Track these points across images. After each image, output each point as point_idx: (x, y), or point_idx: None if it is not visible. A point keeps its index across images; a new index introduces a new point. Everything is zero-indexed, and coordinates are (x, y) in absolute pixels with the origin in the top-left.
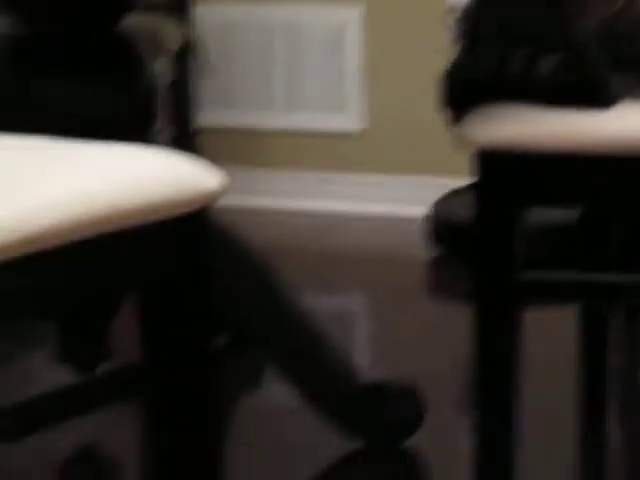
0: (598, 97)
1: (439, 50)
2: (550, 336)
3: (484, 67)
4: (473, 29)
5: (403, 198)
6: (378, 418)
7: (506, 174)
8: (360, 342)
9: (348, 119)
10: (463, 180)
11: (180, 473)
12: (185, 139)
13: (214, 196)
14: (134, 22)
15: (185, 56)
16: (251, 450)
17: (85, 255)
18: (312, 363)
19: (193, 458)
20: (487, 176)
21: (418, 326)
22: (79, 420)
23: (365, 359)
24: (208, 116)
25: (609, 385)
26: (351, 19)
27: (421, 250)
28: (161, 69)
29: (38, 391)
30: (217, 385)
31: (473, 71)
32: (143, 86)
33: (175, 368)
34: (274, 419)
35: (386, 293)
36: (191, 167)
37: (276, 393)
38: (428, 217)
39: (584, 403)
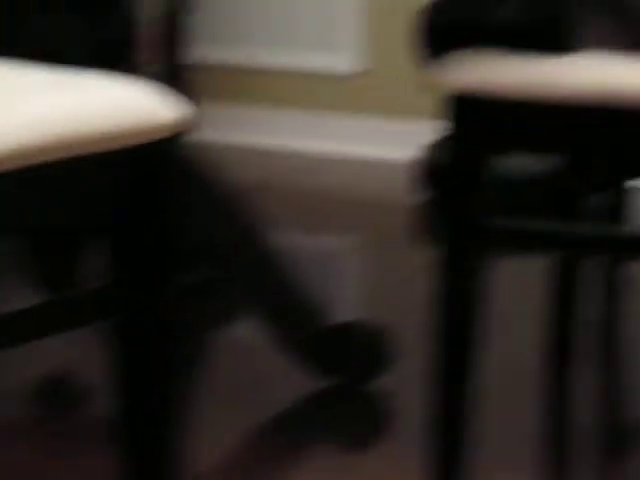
0: (562, 43)
1: None
2: (521, 285)
3: (452, 10)
4: None
5: (396, 141)
6: (345, 358)
7: (478, 119)
8: (340, 283)
9: (342, 59)
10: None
11: (149, 398)
12: (173, 74)
13: (170, 128)
14: None
15: None
16: (219, 384)
17: (43, 180)
18: (281, 301)
19: (162, 386)
20: (455, 119)
21: (400, 270)
22: (49, 341)
23: (343, 300)
24: (200, 52)
25: (578, 336)
26: None
27: (410, 194)
28: (148, 1)
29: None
30: (187, 318)
31: (443, 14)
32: (121, 17)
33: (145, 296)
34: (243, 355)
35: (370, 236)
36: (150, 98)
37: (246, 330)
38: (419, 161)
39: (551, 354)
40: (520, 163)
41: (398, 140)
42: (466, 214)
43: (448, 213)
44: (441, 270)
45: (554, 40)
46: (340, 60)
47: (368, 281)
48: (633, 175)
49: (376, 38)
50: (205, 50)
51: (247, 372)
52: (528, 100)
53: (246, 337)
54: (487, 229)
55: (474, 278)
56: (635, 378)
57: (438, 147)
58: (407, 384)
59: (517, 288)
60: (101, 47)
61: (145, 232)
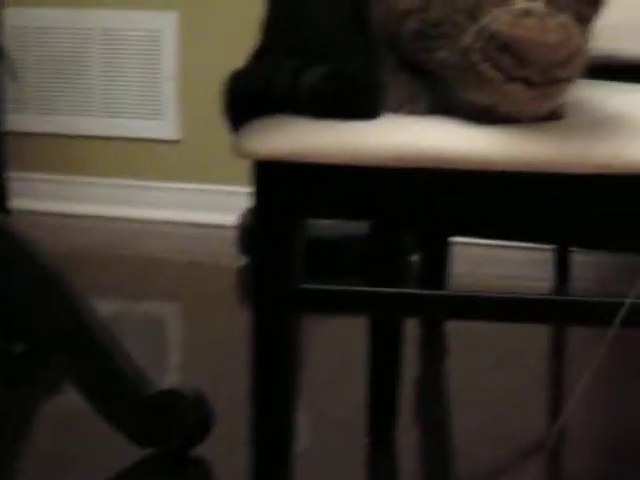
0: (363, 108)
1: None
2: (342, 347)
3: (255, 79)
4: (262, 38)
5: (216, 206)
6: (166, 425)
7: (282, 185)
8: (164, 349)
9: (164, 127)
10: None
11: None
12: None
13: None
14: None
15: None
16: (44, 455)
17: None
18: (102, 370)
19: None
20: (263, 187)
21: (225, 333)
22: None
23: (166, 366)
24: (20, 120)
25: (400, 395)
26: (166, 25)
27: (233, 258)
28: None
29: None
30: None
31: (247, 82)
32: None
33: None
34: (67, 425)
35: (195, 301)
36: None
37: (68, 398)
38: (238, 226)
39: (374, 414)
40: (335, 224)
41: (222, 205)
42: (275, 279)
43: (258, 278)
44: (254, 335)
45: (358, 105)
46: (159, 128)
47: (192, 346)
48: (446, 234)
49: (194, 106)
50: (24, 119)
51: (71, 441)
52: (332, 165)
53: (68, 405)
54: (297, 293)
55: (287, 342)
56: (457, 435)
57: (251, 213)
58: (230, 450)
59: (338, 348)
60: None
61: None
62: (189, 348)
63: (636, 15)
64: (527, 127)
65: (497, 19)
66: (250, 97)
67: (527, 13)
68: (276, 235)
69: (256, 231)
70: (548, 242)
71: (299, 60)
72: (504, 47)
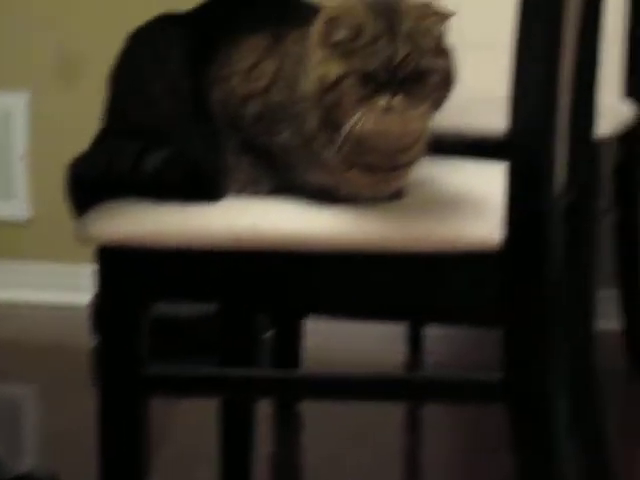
0: (205, 191)
1: None
2: (197, 426)
3: (97, 163)
4: (105, 120)
5: (70, 286)
6: None
7: (126, 269)
8: (19, 432)
9: (14, 206)
10: None
11: None
12: None
13: None
14: None
15: None
16: None
17: None
18: None
19: None
20: (107, 271)
21: (79, 415)
22: None
23: (23, 449)
24: None
25: (255, 474)
26: (17, 105)
27: (87, 339)
28: None
29: None
30: None
31: (89, 166)
32: None
33: None
34: None
35: (51, 382)
36: None
37: None
38: (91, 306)
39: None
40: (183, 305)
41: (76, 285)
42: (122, 363)
43: (105, 362)
44: (102, 420)
45: (201, 188)
46: (10, 207)
47: (48, 430)
48: (296, 315)
49: (45, 185)
50: None
51: None
52: (176, 248)
53: None
54: (146, 377)
55: (136, 426)
56: None
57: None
58: None
59: (192, 428)
60: None
61: None
62: (44, 431)
63: (481, 91)
64: (369, 207)
65: (363, 120)
66: (92, 181)
67: (389, 110)
68: (121, 319)
69: (101, 316)
70: (395, 319)
71: (141, 143)
72: (348, 136)
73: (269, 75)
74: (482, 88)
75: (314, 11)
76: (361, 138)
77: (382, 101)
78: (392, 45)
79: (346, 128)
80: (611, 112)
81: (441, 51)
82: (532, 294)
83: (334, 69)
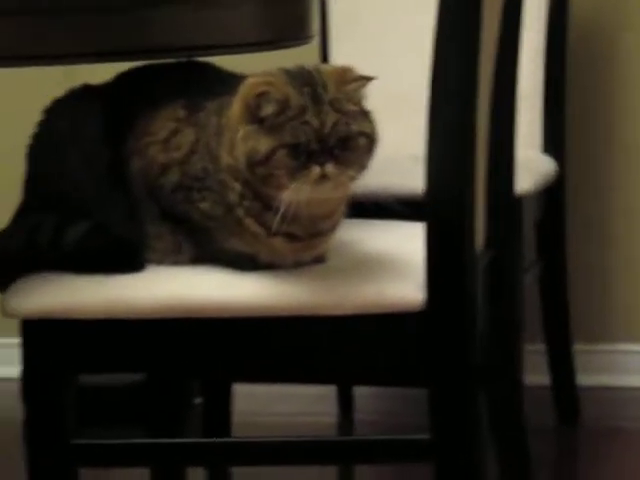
0: (126, 262)
1: None
2: None
3: (17, 237)
4: (24, 195)
5: (1, 359)
6: None
7: (49, 342)
8: None
9: None
10: None
11: None
12: None
13: None
14: None
15: None
16: None
17: None
18: None
19: None
20: (31, 344)
21: None
22: None
23: None
24: None
25: None
26: None
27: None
28: None
29: None
30: None
31: (8, 241)
32: None
33: None
34: None
35: None
36: None
37: None
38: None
39: None
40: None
41: (7, 357)
42: (48, 435)
43: (31, 434)
44: None
45: (122, 259)
46: None
47: None
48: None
49: None
50: None
51: None
52: (97, 319)
53: None
54: (72, 449)
55: None
56: None
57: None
58: None
59: None
60: None
61: None
62: None
63: (403, 151)
64: (290, 272)
65: (299, 190)
66: (13, 257)
67: (324, 178)
68: (46, 391)
69: (27, 388)
70: (320, 382)
71: (60, 215)
72: (268, 206)
73: (187, 145)
74: (401, 146)
75: (231, 79)
76: (297, 208)
77: (315, 171)
78: (319, 115)
79: (285, 200)
80: (533, 167)
81: (365, 114)
82: (454, 352)
83: (264, 144)
